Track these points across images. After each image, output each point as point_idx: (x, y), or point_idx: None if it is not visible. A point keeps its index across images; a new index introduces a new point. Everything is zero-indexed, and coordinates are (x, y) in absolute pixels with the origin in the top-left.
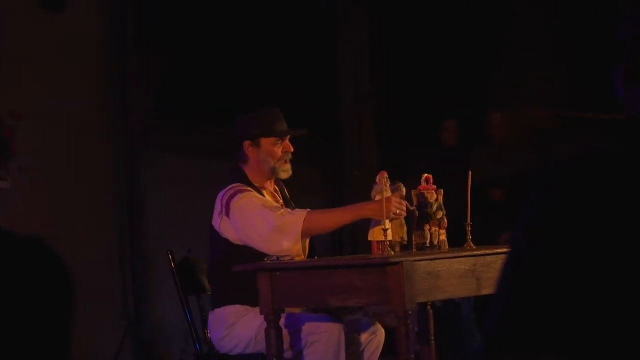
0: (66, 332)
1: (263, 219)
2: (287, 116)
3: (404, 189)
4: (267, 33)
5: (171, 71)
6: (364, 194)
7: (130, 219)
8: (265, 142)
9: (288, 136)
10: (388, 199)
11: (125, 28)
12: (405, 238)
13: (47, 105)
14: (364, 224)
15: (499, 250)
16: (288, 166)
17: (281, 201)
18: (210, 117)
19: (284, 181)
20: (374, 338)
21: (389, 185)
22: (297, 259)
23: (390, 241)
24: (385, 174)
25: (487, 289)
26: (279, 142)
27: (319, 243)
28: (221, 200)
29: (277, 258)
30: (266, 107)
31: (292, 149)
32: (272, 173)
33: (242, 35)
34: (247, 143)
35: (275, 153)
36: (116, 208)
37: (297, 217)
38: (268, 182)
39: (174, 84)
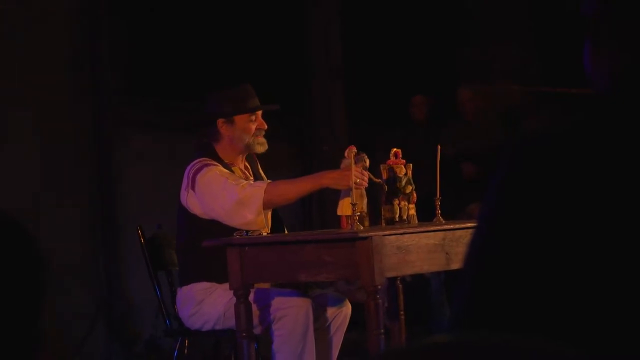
0: (37, 310)
1: (227, 192)
2: (256, 90)
3: (367, 160)
4: (235, 6)
5: (140, 48)
6: (333, 169)
7: (102, 196)
8: (239, 119)
9: (261, 113)
10: (348, 169)
11: (96, 6)
12: (365, 209)
13: (16, 82)
14: (333, 198)
15: (469, 225)
16: (263, 140)
17: (251, 178)
18: (180, 93)
19: (258, 157)
20: (340, 313)
21: (354, 157)
22: (264, 232)
23: (359, 214)
24: (354, 149)
25: (457, 264)
26: (253, 118)
27: (288, 218)
28: (188, 174)
29: (247, 233)
30: (238, 84)
31: (266, 127)
32: (248, 149)
33: (209, 9)
34: (220, 121)
35: (250, 129)
36: (87, 185)
37: (258, 189)
38: (239, 158)
39: (143, 61)
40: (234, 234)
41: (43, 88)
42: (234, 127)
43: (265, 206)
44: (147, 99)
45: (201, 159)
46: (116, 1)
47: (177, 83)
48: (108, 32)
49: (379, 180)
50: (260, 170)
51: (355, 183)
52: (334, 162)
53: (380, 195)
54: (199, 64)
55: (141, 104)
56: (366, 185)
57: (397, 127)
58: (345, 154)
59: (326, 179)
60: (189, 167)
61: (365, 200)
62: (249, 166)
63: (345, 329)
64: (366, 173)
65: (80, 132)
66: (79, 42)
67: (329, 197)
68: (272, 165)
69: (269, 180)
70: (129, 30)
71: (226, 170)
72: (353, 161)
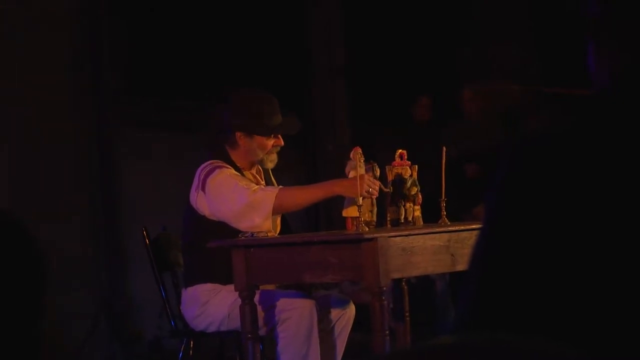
0: (38, 309)
1: (236, 194)
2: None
3: (378, 170)
4: (235, 5)
5: (140, 48)
6: (339, 170)
7: (102, 195)
8: (259, 136)
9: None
10: (362, 177)
11: (96, 6)
12: (375, 219)
13: (16, 82)
14: (340, 201)
15: (474, 226)
16: (275, 156)
17: (262, 183)
18: (180, 93)
19: None
20: (344, 314)
21: (364, 164)
22: (270, 234)
23: (367, 222)
24: (360, 150)
25: (462, 265)
26: (272, 136)
27: (294, 220)
28: (199, 175)
29: (252, 234)
30: (263, 96)
31: (282, 143)
32: (259, 163)
33: (209, 9)
34: (240, 133)
35: (267, 146)
36: (87, 185)
37: (269, 194)
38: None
39: (143, 61)
40: (239, 235)
41: (43, 88)
42: (252, 141)
43: (275, 211)
44: (147, 99)
45: (213, 160)
46: (116, 1)
47: (177, 83)
48: (108, 32)
49: (388, 189)
50: (272, 178)
51: (367, 192)
52: (336, 162)
53: (386, 197)
54: (199, 64)
55: (141, 104)
56: (377, 195)
57: (399, 127)
58: (351, 156)
59: (338, 187)
60: (200, 168)
61: (375, 210)
62: (261, 170)
63: (349, 330)
64: (377, 182)
65: (81, 132)
66: (79, 42)
67: (337, 205)
68: (276, 166)
69: (280, 186)
70: (129, 30)
71: (237, 173)
72: (361, 163)
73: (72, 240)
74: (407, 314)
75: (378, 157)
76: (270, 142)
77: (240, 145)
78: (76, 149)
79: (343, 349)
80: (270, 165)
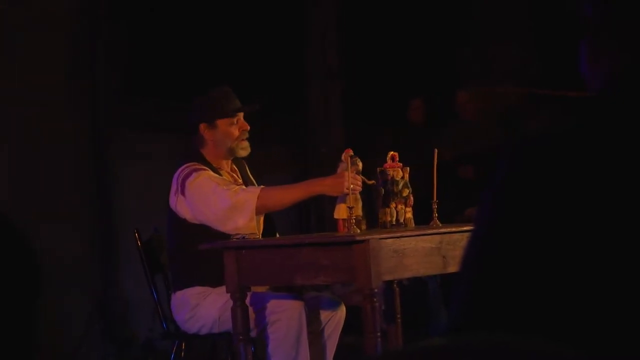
0: (34, 310)
1: (218, 197)
2: (254, 92)
3: (360, 164)
4: (234, 7)
5: (140, 48)
6: (332, 172)
7: (99, 196)
8: (221, 123)
9: (242, 115)
10: (342, 175)
11: (96, 6)
12: (361, 213)
13: (16, 82)
14: (330, 203)
15: (465, 228)
16: (246, 144)
17: (240, 181)
18: (180, 93)
19: (248, 160)
20: (334, 316)
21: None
22: (253, 237)
23: (355, 218)
24: (351, 152)
25: (454, 267)
26: (235, 121)
27: (284, 222)
28: (177, 179)
29: (244, 237)
30: (218, 87)
31: (248, 127)
32: (231, 153)
33: (209, 10)
34: (203, 126)
35: (232, 133)
36: (87, 185)
37: (251, 194)
38: (225, 162)
39: (143, 61)
40: (231, 238)
41: (43, 88)
42: (216, 131)
43: (258, 211)
44: (147, 99)
45: (189, 163)
46: (116, 2)
47: (177, 83)
48: (108, 32)
49: (373, 181)
50: (250, 174)
51: (348, 189)
52: (332, 164)
53: (377, 199)
54: (199, 64)
55: (141, 104)
56: (360, 189)
57: (396, 128)
58: (342, 158)
59: (319, 186)
60: (177, 172)
61: (360, 204)
62: (237, 169)
63: (339, 332)
64: (359, 177)
65: (80, 132)
66: (79, 42)
67: (328, 207)
68: (270, 167)
69: (262, 186)
70: (129, 30)
71: (216, 175)
72: (349, 165)
73: (71, 240)
74: (398, 316)
75: (378, 157)
76: (234, 129)
77: (207, 138)
78: (76, 149)
79: (334, 351)
80: (242, 153)
